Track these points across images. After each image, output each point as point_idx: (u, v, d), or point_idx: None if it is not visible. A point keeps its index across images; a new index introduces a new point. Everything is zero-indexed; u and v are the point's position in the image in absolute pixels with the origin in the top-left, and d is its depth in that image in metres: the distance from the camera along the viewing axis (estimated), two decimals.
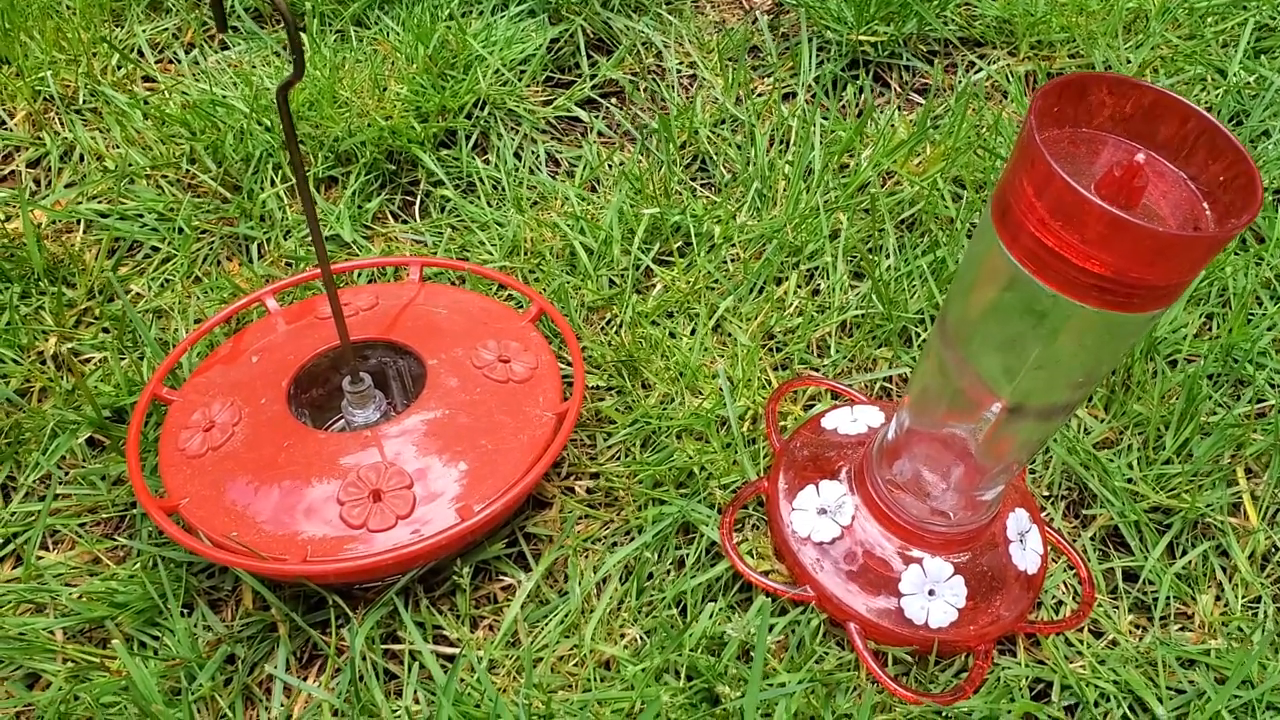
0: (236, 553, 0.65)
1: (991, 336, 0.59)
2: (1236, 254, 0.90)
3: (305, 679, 0.68)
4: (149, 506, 0.68)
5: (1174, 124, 0.55)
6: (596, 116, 1.07)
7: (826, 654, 0.68)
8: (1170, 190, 0.55)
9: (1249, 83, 1.06)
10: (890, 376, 0.85)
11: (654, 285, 0.91)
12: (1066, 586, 0.73)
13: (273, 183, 0.97)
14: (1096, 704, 0.67)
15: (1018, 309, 0.56)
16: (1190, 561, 0.74)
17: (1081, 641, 0.70)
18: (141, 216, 0.95)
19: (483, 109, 1.04)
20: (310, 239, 0.93)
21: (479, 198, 0.97)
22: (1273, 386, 0.83)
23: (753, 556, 0.73)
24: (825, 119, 1.04)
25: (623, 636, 0.69)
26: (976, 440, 0.63)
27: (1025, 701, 0.66)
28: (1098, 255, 0.51)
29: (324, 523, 0.67)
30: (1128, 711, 0.67)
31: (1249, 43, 1.09)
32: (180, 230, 0.93)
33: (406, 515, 0.67)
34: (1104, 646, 0.70)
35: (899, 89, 1.10)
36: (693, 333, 0.86)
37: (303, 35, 1.10)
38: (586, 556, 0.73)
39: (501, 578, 0.72)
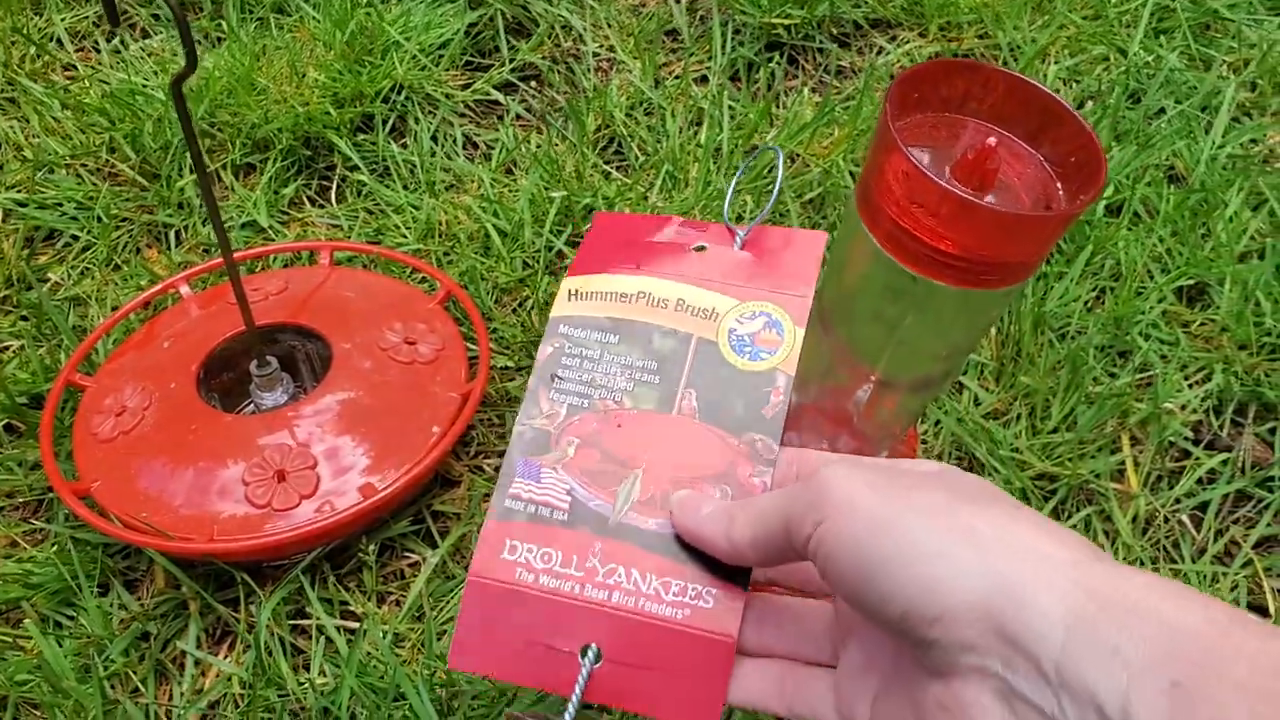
0: (146, 533, 0.67)
1: (861, 314, 0.61)
2: (1129, 229, 0.94)
3: (216, 655, 0.70)
4: (61, 490, 0.69)
5: (1029, 107, 0.58)
6: (514, 100, 1.08)
7: None
8: (1025, 171, 0.58)
9: (1148, 62, 1.09)
10: None
11: (565, 267, 0.93)
12: None
13: (190, 170, 0.98)
14: None
15: (883, 288, 0.59)
16: (1074, 526, 0.77)
17: None
18: (60, 205, 0.96)
19: (400, 94, 1.06)
20: (229, 225, 0.94)
21: (394, 182, 0.99)
22: (1162, 358, 0.86)
23: None
24: (734, 101, 1.06)
25: None
26: (858, 412, 0.66)
27: None
28: (950, 236, 0.54)
29: (231, 503, 0.69)
30: None
31: (1149, 23, 1.12)
32: (99, 219, 0.94)
33: (310, 494, 0.69)
34: None
35: (812, 71, 1.13)
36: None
37: (215, 23, 1.11)
38: None
39: (408, 554, 0.74)
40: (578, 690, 0.38)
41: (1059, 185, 0.58)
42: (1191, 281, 0.91)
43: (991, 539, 0.30)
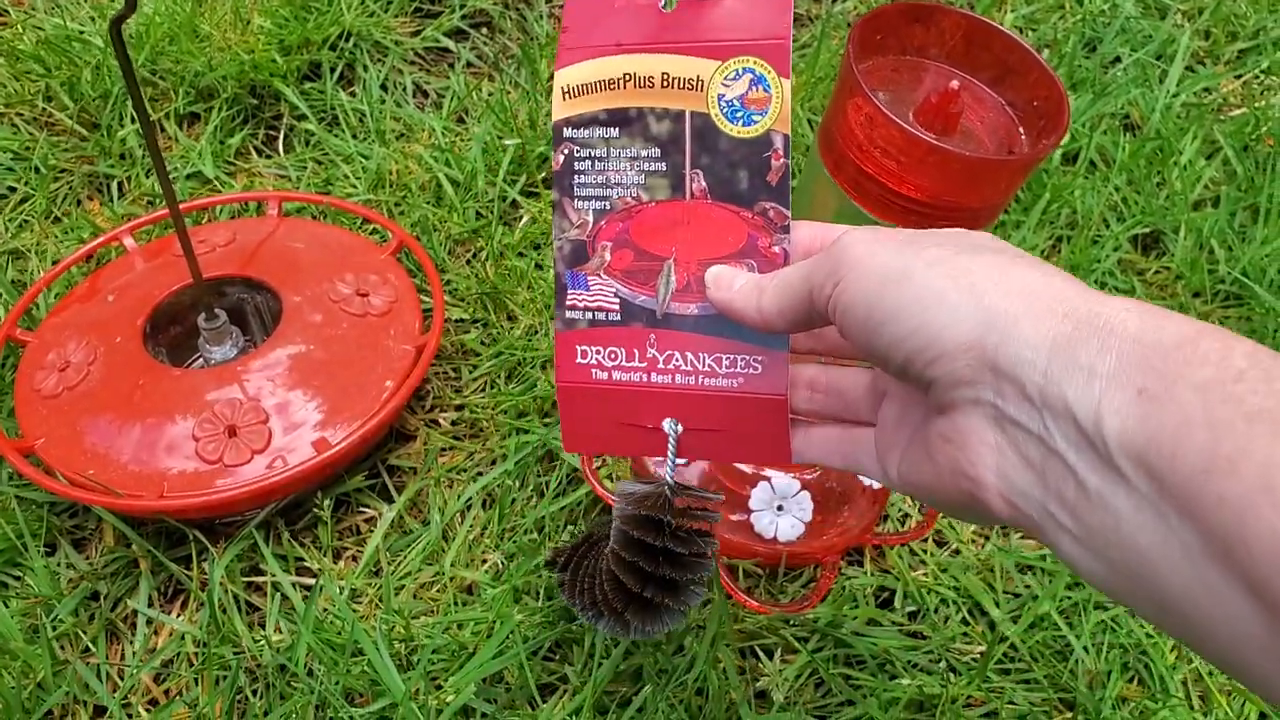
0: (94, 491, 0.66)
1: None
2: (1085, 177, 0.94)
3: (169, 613, 0.69)
4: (4, 448, 0.67)
5: (992, 51, 0.57)
6: (465, 47, 1.06)
7: None
8: (988, 115, 0.57)
9: (1104, 10, 1.09)
10: None
11: (520, 217, 0.91)
12: (912, 501, 0.76)
13: (132, 119, 0.95)
14: (937, 610, 0.71)
15: None
16: None
17: (925, 551, 0.73)
18: None
19: (348, 41, 1.03)
20: (173, 177, 0.91)
21: (343, 131, 0.97)
22: None
23: (612, 480, 0.75)
24: None
25: (484, 562, 0.71)
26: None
27: (869, 609, 0.69)
28: (913, 180, 0.53)
29: (181, 459, 0.67)
30: (967, 615, 0.71)
31: None
32: (37, 170, 0.91)
33: (262, 449, 0.67)
34: (946, 556, 0.74)
35: None
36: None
37: None
38: (450, 487, 0.74)
39: (363, 510, 0.73)
40: (671, 450, 0.47)
41: (1021, 130, 0.57)
42: (1147, 230, 0.91)
43: (986, 282, 0.33)
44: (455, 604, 0.68)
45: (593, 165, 0.45)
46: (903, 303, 0.34)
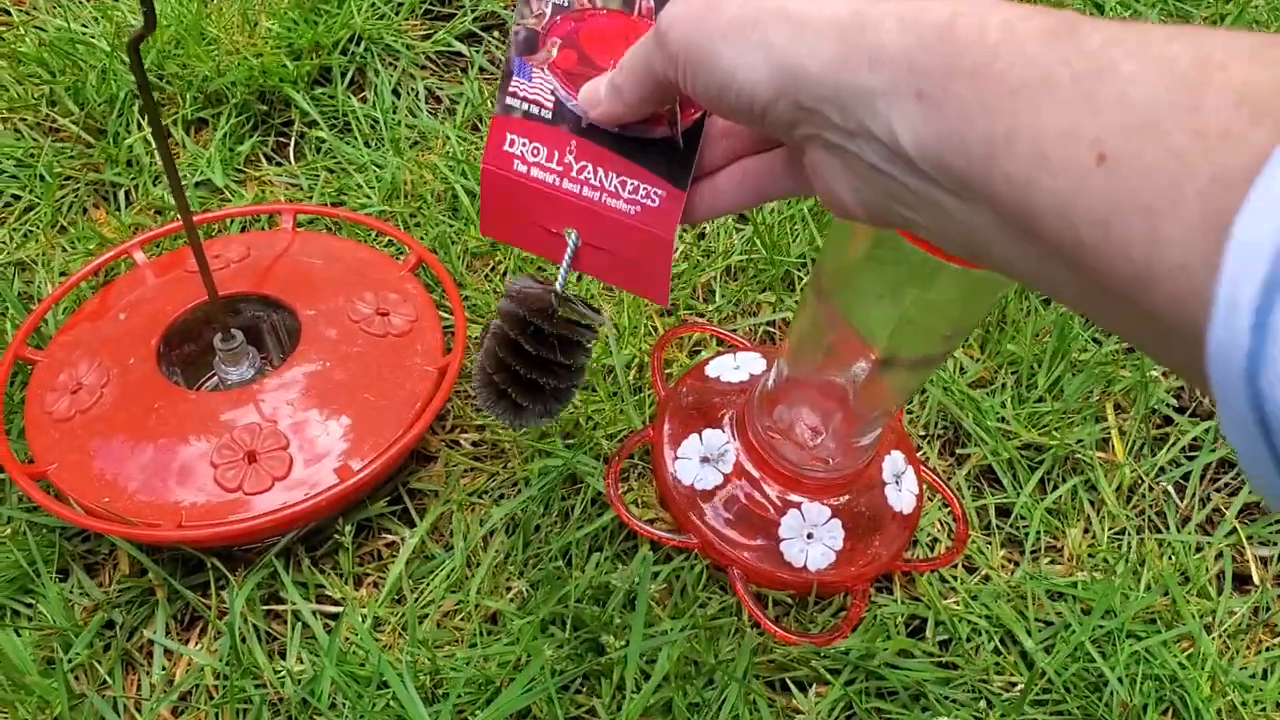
0: (110, 520, 0.64)
1: (862, 291, 0.59)
2: None
3: (186, 642, 0.67)
4: (16, 474, 0.66)
5: None
6: (478, 51, 1.04)
7: (710, 599, 0.69)
8: None
9: (1125, 17, 1.07)
10: (774, 321, 0.85)
11: None
12: (941, 524, 0.75)
13: (139, 126, 0.93)
14: (969, 639, 0.70)
15: (887, 265, 0.57)
16: (1060, 496, 0.77)
17: (955, 578, 0.72)
18: None
19: (358, 44, 1.01)
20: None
21: (356, 138, 0.95)
22: None
23: (638, 506, 0.73)
24: None
25: (509, 590, 0.69)
26: (853, 388, 0.64)
27: (901, 639, 0.68)
28: None
29: (199, 486, 0.65)
30: (999, 645, 0.70)
31: None
32: (42, 177, 0.89)
33: (283, 477, 0.66)
34: (977, 582, 0.73)
35: None
36: (580, 278, 0.85)
37: None
38: (472, 510, 0.73)
39: (385, 535, 0.72)
40: (566, 260, 0.50)
41: None
42: None
43: (776, 28, 0.34)
44: (480, 633, 0.67)
45: None
46: (720, 76, 0.36)
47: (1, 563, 0.68)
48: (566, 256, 0.50)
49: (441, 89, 1.00)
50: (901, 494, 0.72)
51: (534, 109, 0.48)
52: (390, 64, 1.01)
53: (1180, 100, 0.25)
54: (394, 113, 0.97)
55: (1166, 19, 1.09)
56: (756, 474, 0.70)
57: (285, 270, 0.77)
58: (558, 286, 0.50)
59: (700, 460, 0.71)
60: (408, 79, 1.00)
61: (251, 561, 0.69)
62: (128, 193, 0.90)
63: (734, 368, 0.76)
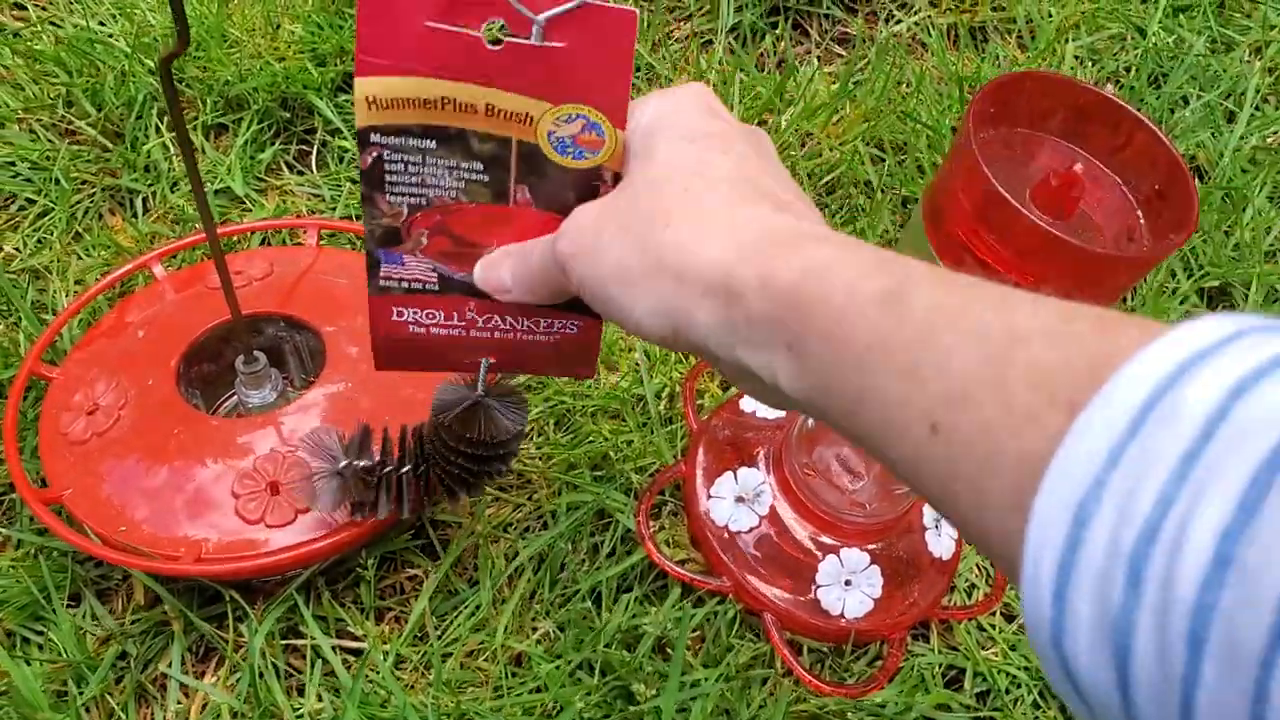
0: (125, 550, 0.62)
1: None
2: None
3: (202, 674, 0.65)
4: (31, 500, 0.63)
5: (1112, 128, 0.53)
6: None
7: (742, 644, 0.67)
8: (1105, 198, 0.54)
9: (1169, 43, 1.05)
10: None
11: None
12: (980, 569, 0.73)
13: (158, 130, 0.90)
14: (1008, 691, 0.68)
15: None
16: None
17: (994, 626, 0.70)
18: (13, 165, 0.88)
19: None
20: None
21: None
22: None
23: (669, 545, 0.71)
24: (744, 73, 1.00)
25: (535, 630, 0.67)
26: None
27: (939, 691, 0.66)
28: (1030, 270, 0.49)
29: (219, 517, 0.63)
30: (1038, 697, 0.68)
31: (1169, 0, 1.08)
32: (57, 181, 0.87)
33: (306, 509, 0.63)
34: (1015, 631, 0.70)
35: (819, 38, 1.07)
36: None
37: None
38: (497, 543, 0.71)
39: (408, 568, 0.70)
40: (480, 375, 0.53)
41: (1140, 214, 0.54)
42: (1215, 283, 0.88)
43: (660, 284, 0.36)
44: (505, 675, 0.65)
45: (406, 169, 0.42)
46: (617, 313, 0.39)
47: (12, 588, 0.66)
48: (481, 374, 0.53)
49: None
50: (941, 539, 0.70)
51: (416, 285, 0.46)
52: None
53: (990, 376, 0.27)
54: None
55: (1212, 45, 1.07)
56: (793, 516, 0.68)
57: (309, 289, 0.75)
58: (479, 392, 0.55)
59: (735, 500, 0.69)
60: None
61: (271, 593, 0.67)
62: (145, 200, 0.87)
63: None
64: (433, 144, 0.41)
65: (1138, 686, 0.23)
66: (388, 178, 0.42)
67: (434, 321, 0.48)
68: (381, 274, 0.46)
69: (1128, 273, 0.51)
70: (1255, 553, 0.21)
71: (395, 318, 0.47)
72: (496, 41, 0.39)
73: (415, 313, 0.47)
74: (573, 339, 0.48)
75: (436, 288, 0.46)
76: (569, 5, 0.38)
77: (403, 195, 0.43)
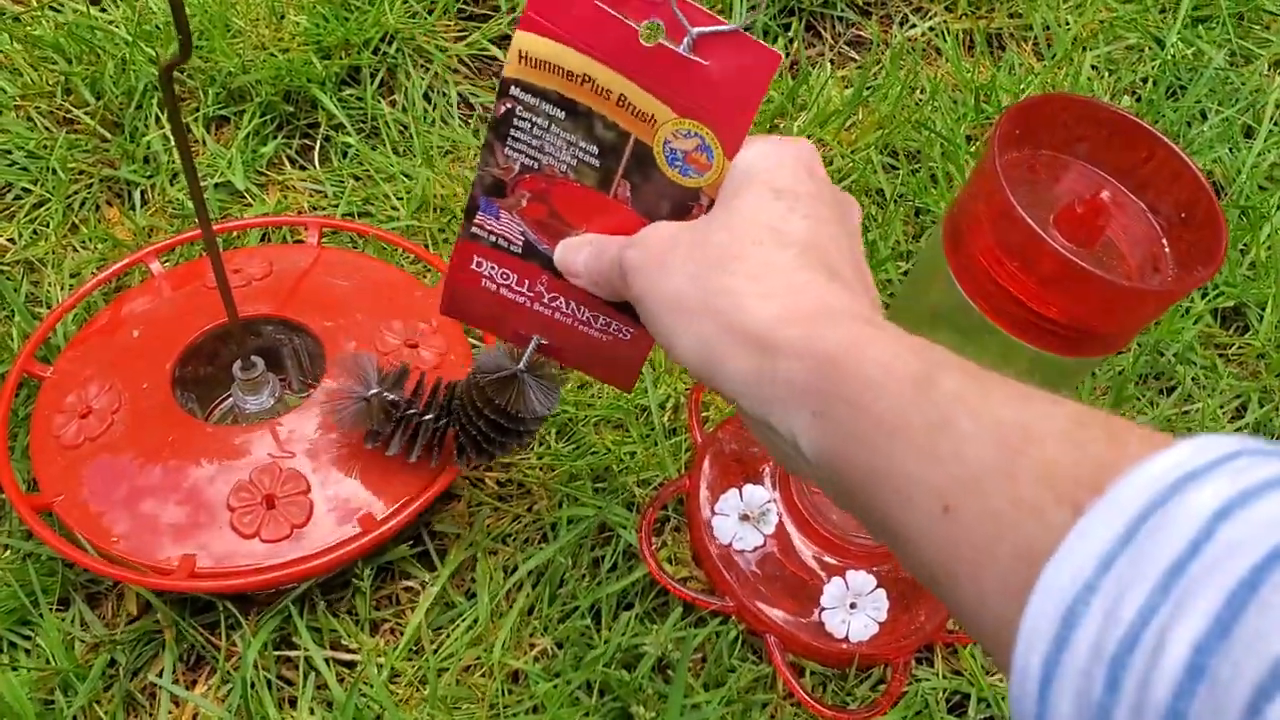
0: (117, 563, 0.61)
1: None
2: None
3: (193, 684, 0.64)
4: (21, 508, 0.62)
5: (1140, 153, 0.52)
6: None
7: (743, 665, 0.66)
8: (1130, 225, 0.52)
9: (1188, 55, 1.03)
10: None
11: None
12: None
13: (158, 121, 0.88)
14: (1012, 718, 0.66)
15: (958, 339, 0.53)
16: None
17: None
18: (9, 153, 0.86)
19: (390, 44, 0.96)
20: (201, 185, 0.85)
21: (384, 144, 0.91)
22: (1196, 383, 0.82)
23: (671, 563, 0.70)
24: None
25: (533, 646, 0.66)
26: None
27: (943, 718, 0.65)
28: (1052, 300, 0.48)
29: (214, 530, 0.62)
30: None
31: (1188, 10, 1.06)
32: (54, 171, 0.85)
33: (303, 524, 0.62)
34: None
35: (832, 40, 1.05)
36: None
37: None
38: (496, 555, 0.69)
39: (405, 577, 0.68)
40: (529, 350, 0.54)
41: (1165, 244, 0.52)
42: (1230, 304, 0.87)
43: (710, 323, 0.38)
44: (501, 692, 0.64)
45: (531, 129, 0.45)
46: (662, 334, 0.41)
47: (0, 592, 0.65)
48: (529, 350, 0.54)
49: (475, 95, 0.96)
50: None
51: (502, 242, 0.49)
52: (422, 66, 0.97)
53: (1002, 466, 0.29)
54: (425, 119, 0.92)
55: (1232, 59, 1.05)
56: (799, 536, 0.67)
57: (309, 291, 0.73)
58: (521, 366, 0.56)
59: (739, 518, 0.68)
60: (440, 83, 0.96)
61: (265, 605, 0.66)
62: (143, 192, 0.86)
63: None
64: (562, 114, 0.44)
65: None
66: (513, 132, 0.45)
67: (506, 282, 0.51)
68: (476, 221, 0.49)
69: (1154, 305, 0.49)
70: (1227, 666, 0.22)
71: (474, 266, 0.51)
72: (650, 40, 0.42)
73: (493, 268, 0.50)
74: (623, 345, 0.51)
75: (519, 251, 0.49)
76: (724, 27, 0.41)
77: (519, 153, 0.46)
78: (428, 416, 0.61)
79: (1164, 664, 0.23)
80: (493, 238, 0.49)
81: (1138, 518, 0.25)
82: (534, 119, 0.45)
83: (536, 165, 0.46)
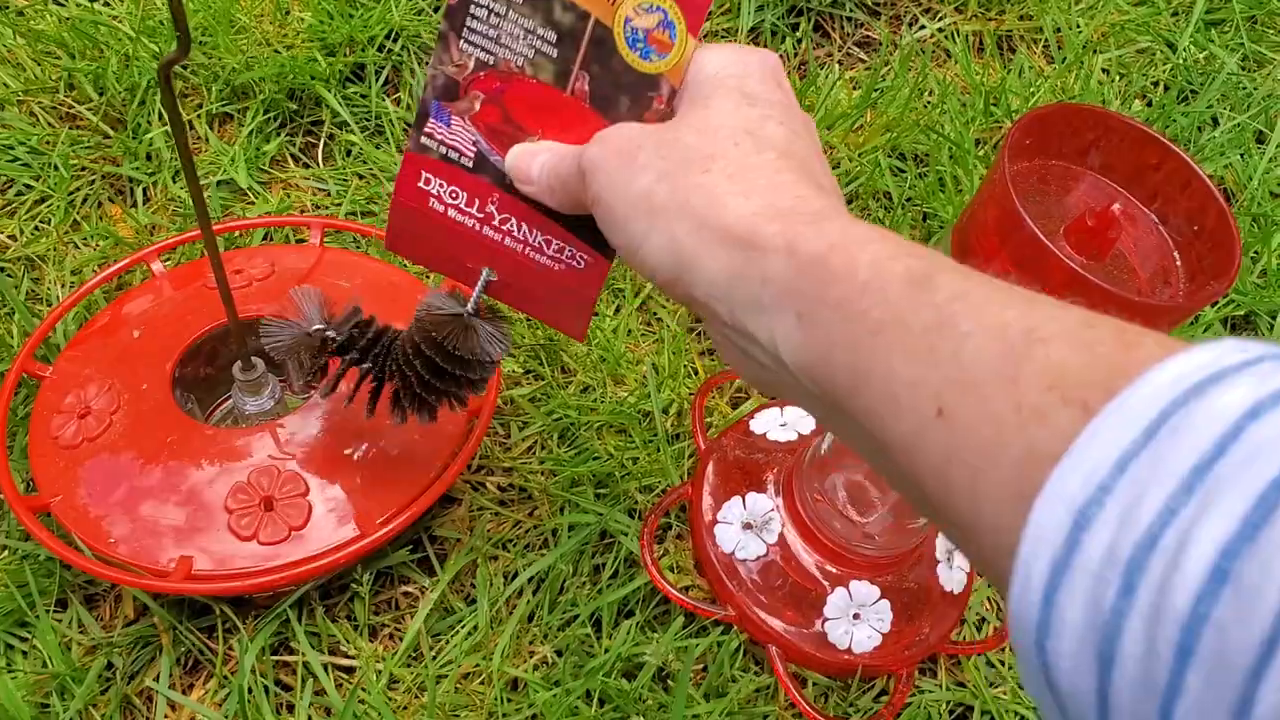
0: (113, 564, 0.60)
1: None
2: None
3: (190, 688, 0.64)
4: (18, 509, 0.61)
5: (1153, 164, 0.51)
6: None
7: (744, 675, 0.65)
8: (1142, 237, 0.51)
9: (1199, 59, 1.02)
10: None
11: None
12: (990, 603, 0.71)
13: (160, 118, 0.88)
14: None
15: None
16: None
17: (1003, 663, 0.68)
18: (12, 149, 0.85)
19: (395, 41, 0.96)
20: (204, 183, 0.85)
21: (388, 142, 0.90)
22: None
23: (673, 571, 0.69)
24: None
25: (532, 654, 0.65)
26: None
27: None
28: None
29: (211, 533, 0.61)
30: None
31: (1201, 14, 1.05)
32: (56, 167, 0.84)
33: (301, 527, 0.61)
34: None
35: (840, 41, 1.04)
36: (617, 311, 0.81)
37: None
38: (496, 561, 0.69)
39: (404, 583, 0.68)
40: (478, 289, 0.50)
41: (1177, 256, 0.51)
42: (1241, 312, 0.86)
43: (682, 219, 0.36)
44: (500, 700, 0.63)
45: (488, 17, 0.44)
46: (627, 240, 0.38)
47: None
48: (478, 289, 0.51)
49: None
50: (953, 572, 0.68)
51: (452, 154, 0.47)
52: (427, 64, 0.96)
53: (1004, 370, 0.27)
54: None
55: (1244, 64, 1.04)
56: (802, 546, 0.66)
57: None
58: (469, 308, 0.52)
59: (742, 526, 0.67)
60: None
61: (263, 605, 0.65)
62: (146, 190, 0.85)
63: (780, 424, 0.72)
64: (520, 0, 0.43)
65: (1117, 695, 0.23)
66: (469, 22, 0.44)
67: (455, 202, 0.48)
68: (426, 129, 0.47)
69: (1165, 320, 0.48)
70: (1254, 569, 0.21)
71: (421, 184, 0.48)
72: None
73: (441, 185, 0.48)
74: (576, 276, 0.48)
75: (470, 164, 0.47)
76: None
77: (475, 46, 0.44)
78: (354, 356, 0.57)
79: (1185, 567, 0.22)
80: (443, 149, 0.47)
81: (1158, 418, 0.24)
82: (491, 5, 0.43)
83: (492, 60, 0.44)
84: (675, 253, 0.36)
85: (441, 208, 0.49)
